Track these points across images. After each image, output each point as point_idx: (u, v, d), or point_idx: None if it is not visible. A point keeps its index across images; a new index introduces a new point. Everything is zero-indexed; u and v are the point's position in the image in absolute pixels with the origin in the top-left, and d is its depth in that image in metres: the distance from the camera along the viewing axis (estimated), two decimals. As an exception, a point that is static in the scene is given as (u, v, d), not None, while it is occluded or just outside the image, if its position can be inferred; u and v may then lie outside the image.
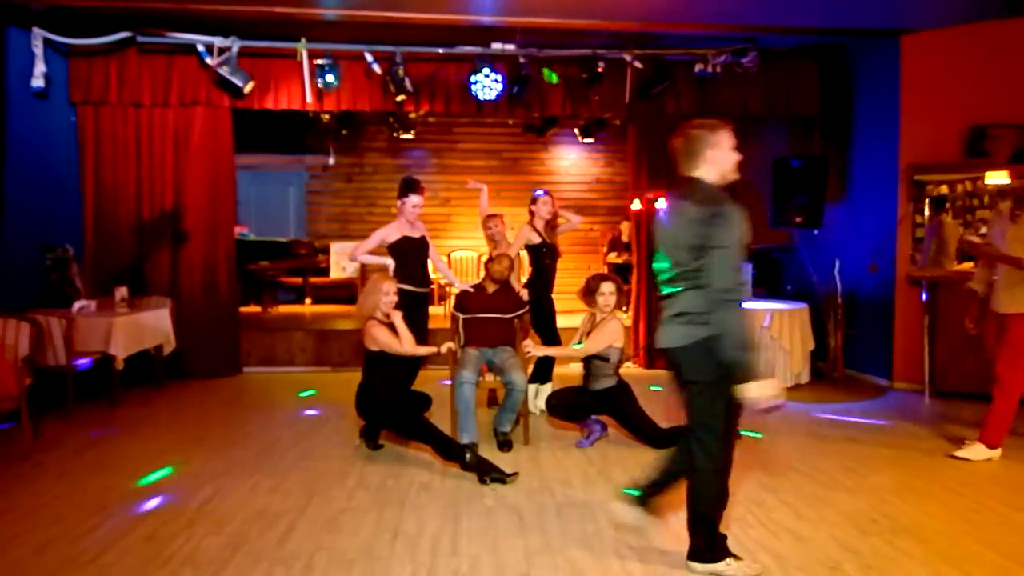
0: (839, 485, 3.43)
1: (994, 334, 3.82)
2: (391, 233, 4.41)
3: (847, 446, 4.10)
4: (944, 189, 5.52)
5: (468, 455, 3.46)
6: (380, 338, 3.72)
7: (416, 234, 4.49)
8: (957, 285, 5.20)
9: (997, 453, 3.74)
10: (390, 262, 4.46)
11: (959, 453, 3.80)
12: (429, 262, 4.65)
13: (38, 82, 5.27)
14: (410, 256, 4.45)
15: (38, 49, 5.28)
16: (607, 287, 3.92)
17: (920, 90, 5.54)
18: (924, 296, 5.31)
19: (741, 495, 3.30)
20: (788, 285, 6.66)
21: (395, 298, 3.81)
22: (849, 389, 5.66)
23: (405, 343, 3.79)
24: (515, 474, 3.46)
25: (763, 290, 6.82)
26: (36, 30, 5.27)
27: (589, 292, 3.97)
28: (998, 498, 3.25)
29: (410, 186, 4.43)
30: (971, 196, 5.43)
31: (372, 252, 4.47)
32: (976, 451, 3.76)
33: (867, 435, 4.34)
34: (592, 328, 3.97)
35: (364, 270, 8.72)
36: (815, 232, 6.16)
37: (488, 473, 3.42)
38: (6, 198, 4.99)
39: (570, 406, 4.06)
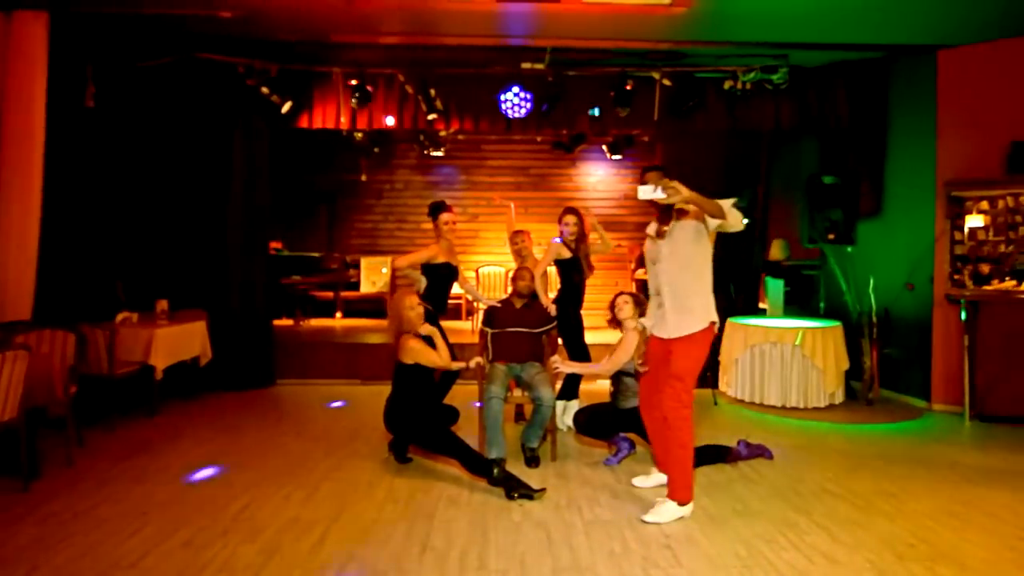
0: (875, 509, 3.35)
1: None
2: (438, 255, 4.48)
3: (884, 469, 4.00)
4: (985, 205, 5.40)
5: (496, 470, 3.48)
6: (419, 350, 3.79)
7: (455, 262, 4.59)
8: (998, 304, 5.07)
9: None
10: (423, 280, 4.53)
11: None
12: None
13: (89, 102, 5.51)
14: (442, 282, 4.52)
15: (89, 71, 5.53)
16: (620, 300, 3.91)
17: (958, 105, 5.45)
18: (963, 315, 5.17)
19: (772, 516, 3.24)
20: (821, 303, 6.56)
21: (421, 310, 3.90)
22: (885, 410, 5.51)
23: (444, 356, 3.90)
24: (543, 490, 3.46)
25: (796, 307, 6.71)
26: (87, 53, 5.53)
27: (612, 317, 3.97)
28: (1044, 526, 3.14)
29: (439, 206, 4.56)
30: (1013, 212, 5.30)
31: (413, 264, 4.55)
32: None
33: (904, 458, 4.22)
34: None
35: (393, 284, 8.87)
36: (848, 249, 6.06)
37: (516, 489, 3.43)
38: (56, 214, 5.20)
39: (598, 423, 4.05)
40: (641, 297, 3.97)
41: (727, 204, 3.03)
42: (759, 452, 4.11)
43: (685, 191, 2.86)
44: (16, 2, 4.71)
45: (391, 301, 4.01)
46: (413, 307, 3.86)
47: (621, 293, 4.03)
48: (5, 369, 3.36)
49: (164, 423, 4.91)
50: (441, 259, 4.47)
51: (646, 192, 2.91)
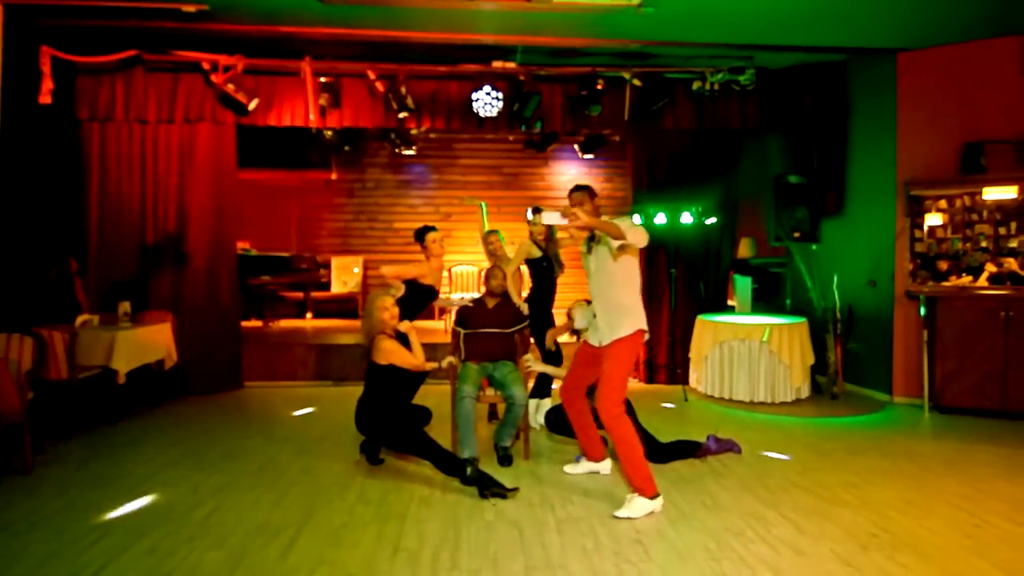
0: (840, 500, 3.44)
1: None
2: (426, 276, 4.46)
3: (848, 460, 4.10)
4: (943, 204, 5.57)
5: (469, 469, 3.47)
6: (394, 351, 3.77)
7: (438, 287, 4.59)
8: (955, 300, 5.25)
9: None
10: (402, 288, 4.47)
11: None
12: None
13: (45, 99, 5.34)
14: (419, 299, 4.48)
15: (46, 66, 5.36)
16: (575, 311, 4.09)
17: (916, 107, 5.62)
18: (922, 311, 5.34)
19: (740, 510, 3.30)
20: (787, 299, 6.70)
21: (396, 311, 3.87)
22: (849, 404, 5.66)
23: (419, 356, 3.89)
24: (515, 489, 3.47)
25: (762, 304, 6.85)
26: (44, 48, 5.36)
27: (570, 325, 4.11)
28: (999, 513, 3.26)
29: (424, 229, 4.55)
30: (969, 211, 5.48)
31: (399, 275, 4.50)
32: None
33: (867, 450, 4.34)
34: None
35: (366, 285, 8.78)
36: (813, 247, 6.21)
37: (489, 488, 3.43)
38: (10, 213, 5.03)
39: (569, 422, 4.07)
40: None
41: (627, 224, 3.18)
42: (728, 447, 4.18)
43: (584, 217, 3.01)
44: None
45: (366, 304, 3.98)
46: (387, 308, 3.84)
47: (578, 302, 4.11)
48: (-44, 375, 3.23)
49: (127, 428, 4.78)
50: (428, 281, 4.48)
51: (551, 218, 3.12)
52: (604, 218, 3.22)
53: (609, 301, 3.37)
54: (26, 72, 5.27)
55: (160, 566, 2.69)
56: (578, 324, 4.05)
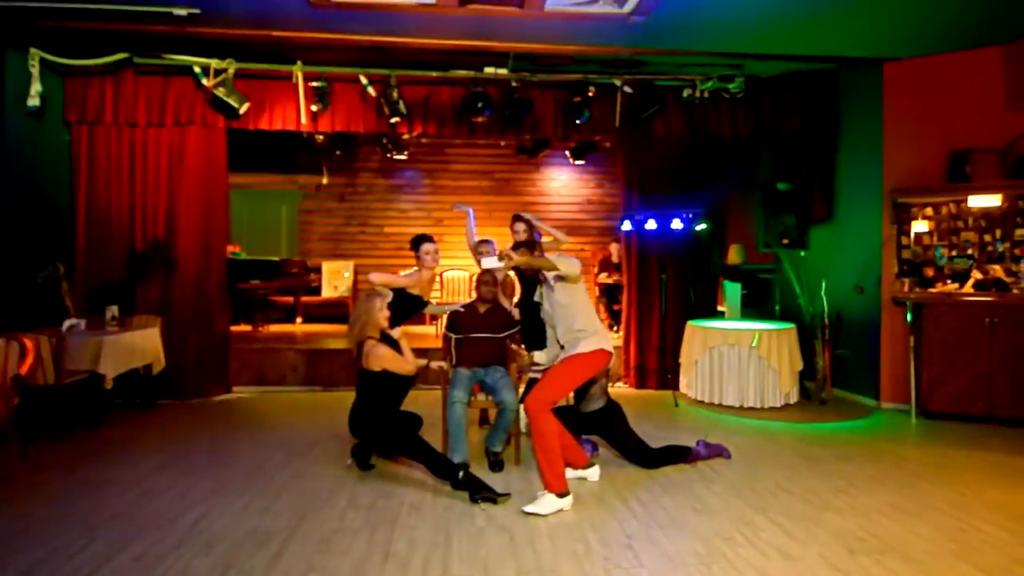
0: (828, 505, 3.46)
1: None
2: (414, 287, 4.47)
3: (836, 466, 4.14)
4: (929, 211, 5.65)
5: (461, 474, 3.47)
6: (388, 357, 3.76)
7: (427, 298, 4.61)
8: (941, 306, 5.31)
9: None
10: (389, 295, 4.46)
11: None
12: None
13: (34, 101, 5.32)
14: (406, 308, 4.46)
15: (35, 69, 5.34)
16: (517, 226, 4.09)
17: (902, 116, 5.70)
18: (909, 317, 5.40)
19: (730, 514, 3.32)
20: (776, 305, 6.76)
21: (388, 313, 3.87)
22: (837, 409, 5.71)
23: (410, 362, 3.86)
24: (507, 495, 3.47)
25: (751, 310, 6.90)
26: (33, 50, 5.33)
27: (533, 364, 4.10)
28: (984, 518, 3.29)
29: (420, 238, 4.57)
30: (955, 218, 5.56)
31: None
32: None
33: (855, 455, 4.37)
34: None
35: (356, 290, 8.75)
36: (802, 253, 6.27)
37: (480, 492, 3.43)
38: (-2, 216, 4.99)
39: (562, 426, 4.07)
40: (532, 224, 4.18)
41: (556, 257, 3.49)
42: (717, 452, 4.20)
43: (517, 259, 3.38)
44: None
45: (357, 305, 3.95)
46: (382, 310, 3.83)
47: (516, 220, 4.14)
48: (-59, 379, 3.19)
49: (114, 433, 4.74)
50: (416, 291, 4.48)
51: (489, 263, 3.45)
52: (542, 254, 3.52)
53: (568, 330, 3.53)
54: (15, 74, 5.24)
55: (148, 573, 2.66)
56: (543, 360, 3.96)
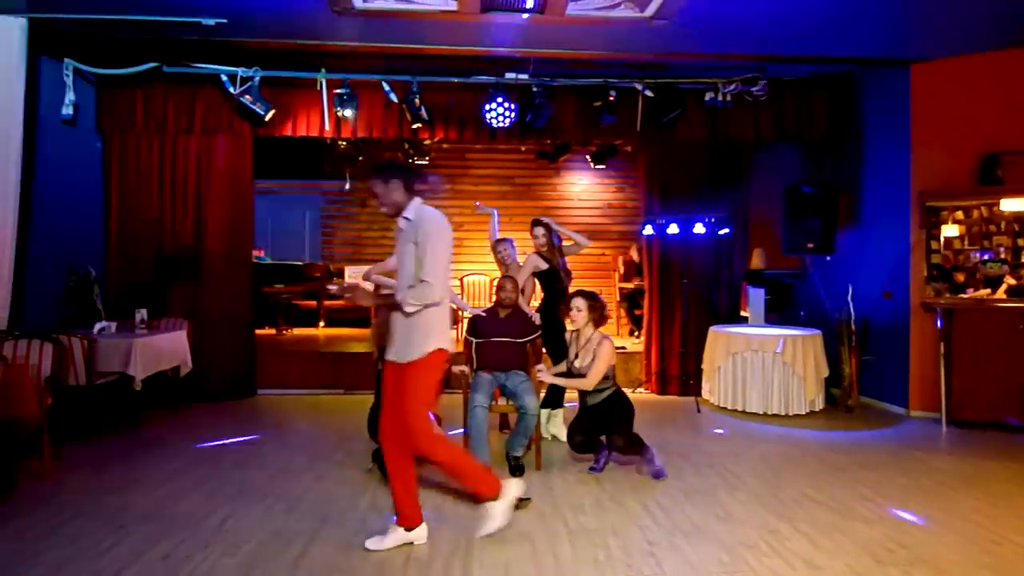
0: (855, 514, 3.40)
1: None
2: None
3: (863, 474, 4.05)
4: (960, 215, 5.53)
5: None
6: None
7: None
8: (972, 312, 5.18)
9: None
10: (391, 281, 4.51)
11: None
12: None
13: (68, 110, 5.48)
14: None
15: (68, 78, 5.50)
16: (577, 302, 3.99)
17: (931, 117, 5.59)
18: (939, 323, 5.28)
19: (754, 523, 3.27)
20: (801, 311, 6.65)
21: None
22: (865, 417, 5.60)
23: None
24: (527, 499, 3.46)
25: (776, 316, 6.80)
26: (67, 60, 5.49)
27: (565, 306, 4.10)
28: (1018, 530, 3.20)
29: None
30: (987, 221, 5.43)
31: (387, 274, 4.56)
32: None
33: (883, 464, 4.28)
34: (580, 347, 4.01)
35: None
36: (827, 258, 6.17)
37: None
38: (33, 222, 5.13)
39: (590, 436, 4.02)
40: (600, 302, 4.02)
41: (408, 288, 2.86)
42: (655, 471, 3.96)
43: (365, 301, 3.05)
44: (-6, 8, 4.66)
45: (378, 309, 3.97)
46: None
47: (577, 294, 4.03)
48: (-21, 380, 3.29)
49: (143, 434, 4.83)
50: None
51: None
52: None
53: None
54: (49, 83, 5.41)
55: (175, 572, 2.71)
56: (544, 379, 3.97)
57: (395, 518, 3.01)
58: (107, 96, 5.95)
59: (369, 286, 2.89)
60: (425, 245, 2.85)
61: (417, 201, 3.00)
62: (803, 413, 5.58)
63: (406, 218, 2.96)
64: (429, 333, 2.89)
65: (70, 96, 5.49)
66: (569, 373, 4.11)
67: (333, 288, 3.07)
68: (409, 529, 2.99)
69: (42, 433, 3.87)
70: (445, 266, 2.91)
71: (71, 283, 5.49)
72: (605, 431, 4.07)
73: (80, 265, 5.55)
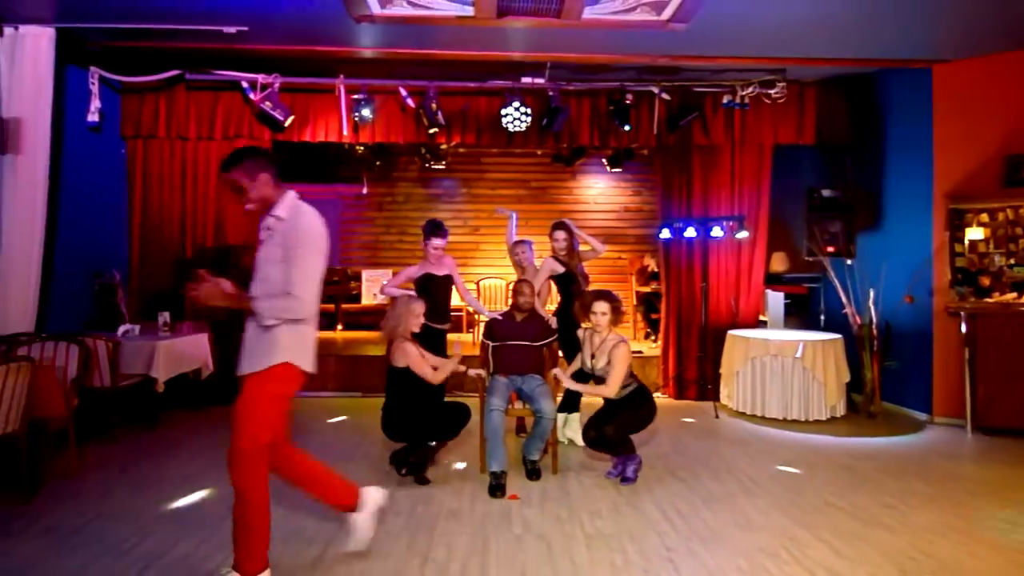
0: (877, 522, 3.34)
1: None
2: (417, 271, 4.68)
3: (886, 482, 3.99)
4: (984, 218, 5.43)
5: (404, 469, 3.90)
6: (413, 356, 3.81)
7: (440, 272, 4.68)
8: (998, 317, 5.08)
9: None
10: (412, 294, 4.61)
11: None
12: (456, 296, 4.86)
13: (93, 117, 5.60)
14: (431, 293, 4.59)
15: (94, 86, 5.62)
16: (600, 307, 3.91)
17: (954, 119, 5.49)
18: (964, 328, 5.18)
19: (773, 529, 3.24)
20: (821, 315, 6.57)
21: (422, 320, 3.96)
22: (887, 423, 5.51)
23: (440, 375, 3.89)
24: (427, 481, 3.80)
25: (795, 320, 6.72)
26: (93, 68, 5.61)
27: (584, 308, 4.00)
28: (1047, 539, 3.13)
29: (431, 229, 4.66)
30: (1013, 224, 5.32)
31: (402, 287, 4.69)
32: None
33: (906, 471, 4.21)
34: (595, 348, 3.97)
35: (395, 297, 8.87)
36: (848, 262, 6.09)
37: (416, 472, 3.85)
38: (59, 227, 5.25)
39: (626, 433, 3.96)
40: (619, 301, 4.00)
41: (269, 297, 2.54)
42: (627, 476, 3.94)
43: (216, 302, 2.59)
44: (24, 18, 4.78)
45: (397, 305, 3.97)
46: (417, 316, 3.91)
47: (601, 296, 3.97)
48: (8, 381, 3.37)
49: (165, 436, 4.91)
50: (420, 273, 4.64)
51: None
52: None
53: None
54: (75, 91, 5.53)
55: (195, 572, 2.75)
56: (569, 386, 3.99)
57: (347, 514, 2.78)
58: (131, 103, 6.07)
59: (228, 286, 2.54)
60: (296, 252, 2.46)
61: (291, 196, 2.61)
62: (823, 419, 5.51)
63: (277, 216, 2.57)
64: (278, 345, 2.49)
65: (96, 103, 5.61)
66: (583, 372, 4.11)
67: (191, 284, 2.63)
68: (358, 509, 2.75)
69: (68, 433, 3.95)
70: (317, 278, 2.52)
71: (96, 286, 5.61)
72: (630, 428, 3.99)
73: (104, 268, 5.66)
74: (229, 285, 2.56)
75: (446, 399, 4.28)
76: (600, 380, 3.95)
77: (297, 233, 2.50)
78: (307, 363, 2.57)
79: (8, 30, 4.80)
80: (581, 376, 4.20)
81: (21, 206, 4.77)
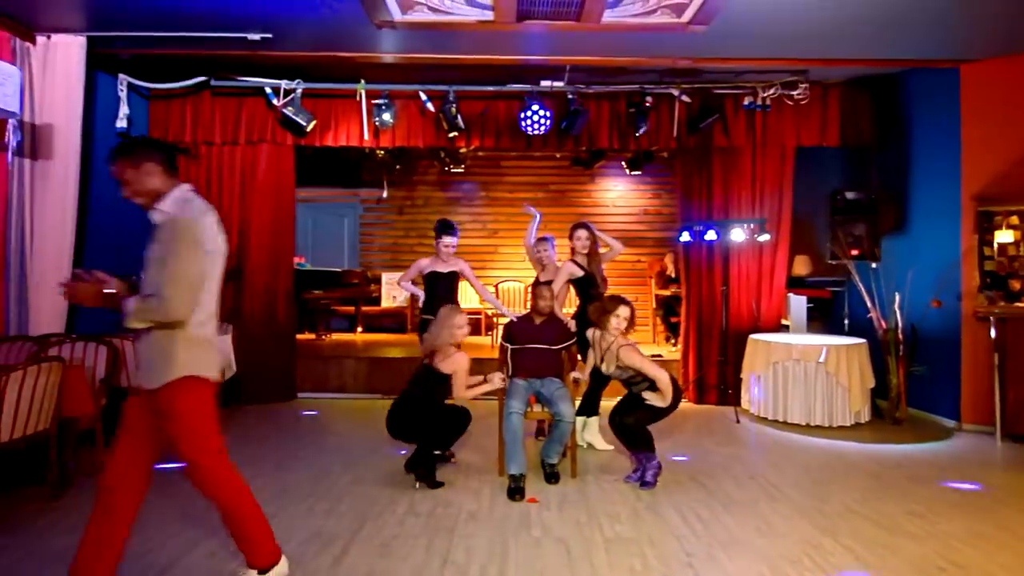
0: (903, 530, 3.28)
1: None
2: (425, 266, 4.82)
3: (911, 489, 3.91)
4: (1015, 220, 5.31)
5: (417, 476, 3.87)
6: (462, 368, 3.89)
7: (445, 269, 4.79)
8: (1029, 321, 4.96)
9: None
10: (420, 293, 4.90)
11: None
12: (473, 295, 4.97)
13: (122, 123, 5.72)
14: (436, 289, 4.75)
15: (123, 93, 5.75)
16: (624, 311, 3.93)
17: (982, 119, 5.38)
18: (993, 332, 5.06)
19: (796, 536, 3.19)
20: (845, 320, 6.47)
21: (467, 330, 4.02)
22: (913, 430, 5.40)
23: (470, 392, 3.94)
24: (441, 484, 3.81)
25: (818, 325, 6.63)
26: (121, 76, 5.75)
27: (604, 312, 3.98)
28: (1081, 550, 3.04)
29: (442, 228, 4.79)
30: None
31: (414, 282, 4.91)
32: None
33: (933, 478, 4.12)
34: (603, 351, 3.97)
35: (413, 299, 8.96)
36: (873, 265, 5.99)
37: (426, 478, 3.82)
38: (88, 230, 5.37)
39: (646, 423, 3.93)
40: (633, 307, 4.03)
41: (138, 297, 2.38)
42: (647, 479, 3.89)
43: (89, 302, 2.47)
44: (56, 28, 4.91)
45: (439, 317, 4.05)
46: (462, 327, 3.97)
47: (624, 301, 3.97)
48: (40, 380, 3.45)
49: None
50: (428, 269, 4.78)
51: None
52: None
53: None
54: (104, 97, 5.67)
55: (220, 569, 2.79)
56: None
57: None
58: (158, 109, 6.20)
59: (113, 286, 2.39)
60: (169, 248, 2.26)
61: (181, 189, 2.44)
62: (848, 425, 5.42)
63: (161, 211, 2.40)
64: (174, 359, 2.31)
65: (124, 109, 5.74)
66: (597, 371, 4.14)
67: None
68: (267, 569, 2.50)
69: (96, 431, 4.04)
70: (194, 279, 2.30)
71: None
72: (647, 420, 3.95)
73: (132, 271, 5.76)
74: (114, 284, 2.38)
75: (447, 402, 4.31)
76: (618, 381, 3.97)
77: (175, 228, 2.30)
78: (211, 371, 2.40)
79: (41, 39, 4.94)
80: (596, 375, 4.21)
81: (52, 210, 4.90)
